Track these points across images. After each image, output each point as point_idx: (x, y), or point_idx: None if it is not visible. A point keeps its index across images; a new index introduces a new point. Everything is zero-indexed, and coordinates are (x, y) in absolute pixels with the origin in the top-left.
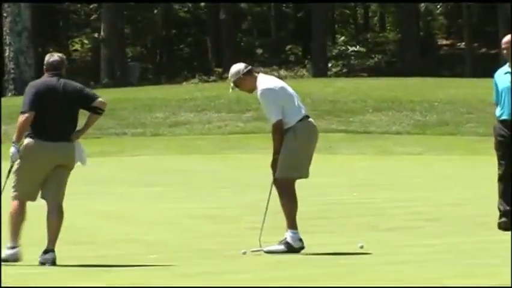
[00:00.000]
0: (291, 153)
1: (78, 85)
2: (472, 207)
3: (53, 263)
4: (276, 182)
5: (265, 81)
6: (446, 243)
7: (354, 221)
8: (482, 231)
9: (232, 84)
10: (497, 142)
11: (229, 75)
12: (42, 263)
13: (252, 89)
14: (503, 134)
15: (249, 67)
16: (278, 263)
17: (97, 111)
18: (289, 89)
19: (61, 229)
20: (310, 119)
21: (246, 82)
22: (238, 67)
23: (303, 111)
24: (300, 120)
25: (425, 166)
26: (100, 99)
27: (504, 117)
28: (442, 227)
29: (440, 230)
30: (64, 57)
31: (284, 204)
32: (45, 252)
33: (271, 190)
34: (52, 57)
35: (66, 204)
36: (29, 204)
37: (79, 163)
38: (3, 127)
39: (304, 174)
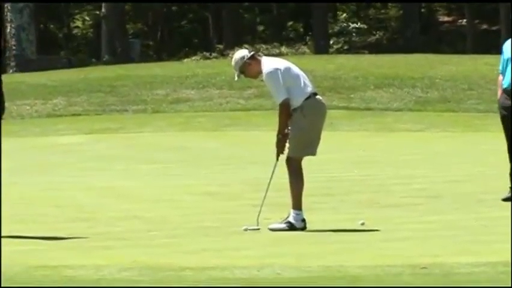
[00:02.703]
0: (301, 132)
1: None
2: (473, 184)
3: None
4: (287, 160)
5: (270, 63)
6: (446, 220)
7: (354, 197)
8: (483, 208)
9: (237, 72)
10: (501, 116)
11: (234, 62)
12: None
13: (258, 73)
14: (506, 105)
15: (252, 52)
16: (279, 239)
17: None
18: (295, 69)
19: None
20: (318, 96)
21: (251, 66)
22: (242, 53)
23: (309, 89)
24: (307, 98)
25: (425, 143)
26: None
27: (505, 86)
28: (442, 203)
29: (440, 207)
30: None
31: (293, 182)
32: None
33: (274, 169)
34: None
35: (66, 181)
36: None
37: None
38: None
39: (313, 152)
